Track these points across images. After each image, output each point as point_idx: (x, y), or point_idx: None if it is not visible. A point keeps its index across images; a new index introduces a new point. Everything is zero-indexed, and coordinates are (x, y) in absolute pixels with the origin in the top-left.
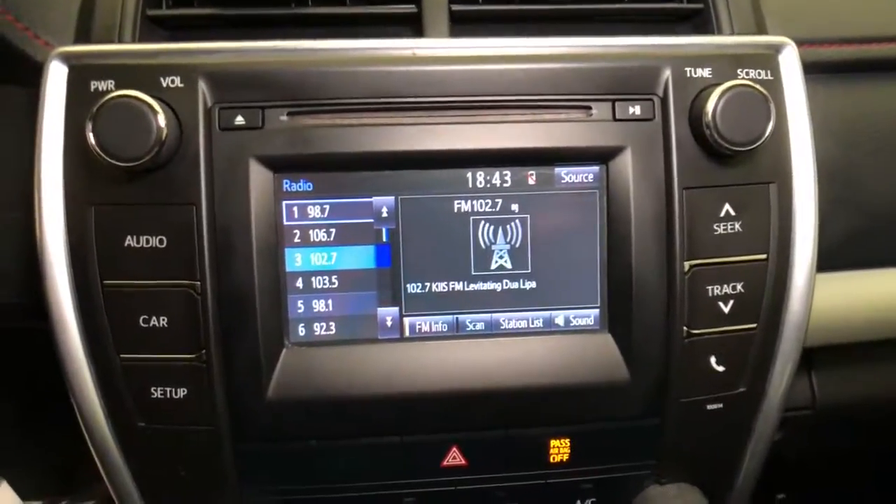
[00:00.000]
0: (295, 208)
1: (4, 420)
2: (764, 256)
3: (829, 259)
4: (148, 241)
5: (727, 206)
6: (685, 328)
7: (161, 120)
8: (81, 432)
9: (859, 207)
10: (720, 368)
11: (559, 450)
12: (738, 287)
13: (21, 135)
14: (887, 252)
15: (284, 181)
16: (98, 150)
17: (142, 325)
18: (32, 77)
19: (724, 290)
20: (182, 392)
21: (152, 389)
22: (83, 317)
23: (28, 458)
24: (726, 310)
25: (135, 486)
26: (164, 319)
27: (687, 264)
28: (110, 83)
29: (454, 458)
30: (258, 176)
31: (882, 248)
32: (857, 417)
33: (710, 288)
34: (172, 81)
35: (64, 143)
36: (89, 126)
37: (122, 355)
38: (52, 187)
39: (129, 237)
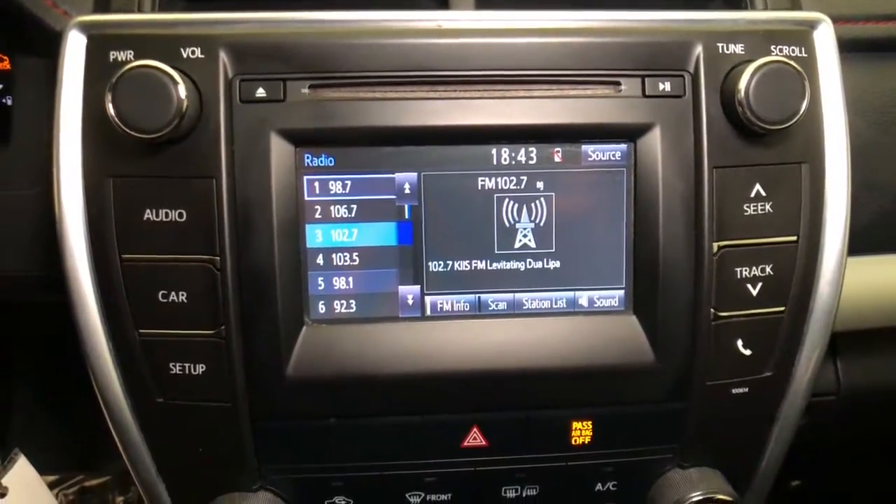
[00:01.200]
0: (316, 183)
1: (22, 396)
2: (794, 238)
3: (860, 242)
4: (167, 215)
5: (758, 186)
6: (712, 310)
7: (182, 91)
8: (99, 407)
9: (891, 190)
10: (747, 352)
11: (581, 432)
12: (768, 269)
13: (39, 106)
14: None
15: (305, 155)
16: (118, 121)
17: (161, 299)
18: (51, 47)
19: (752, 272)
20: (201, 368)
21: (171, 365)
22: (101, 291)
23: (45, 434)
24: (755, 292)
25: (152, 461)
26: (183, 294)
27: (716, 245)
28: (129, 53)
29: (474, 438)
30: (279, 150)
31: None
32: (880, 404)
33: (738, 270)
34: (193, 52)
35: (82, 115)
36: (109, 97)
37: (140, 330)
38: (71, 159)
39: (148, 210)
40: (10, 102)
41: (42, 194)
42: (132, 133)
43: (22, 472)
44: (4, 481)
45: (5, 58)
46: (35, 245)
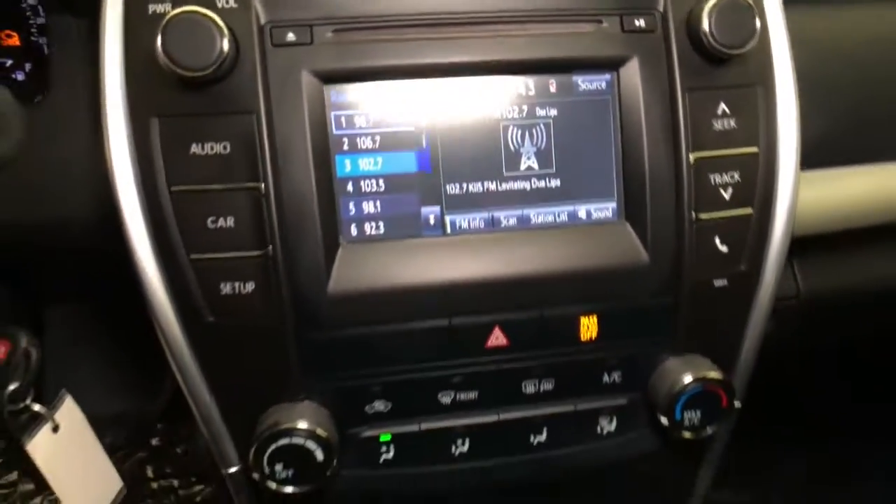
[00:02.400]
0: (343, 118)
1: (69, 336)
2: (755, 149)
3: (812, 157)
4: (212, 148)
5: (723, 105)
6: (693, 213)
7: (224, 33)
8: (147, 343)
9: (833, 113)
10: (724, 249)
11: (588, 327)
12: (736, 176)
13: (78, 59)
14: (861, 151)
15: (332, 93)
16: (167, 61)
17: (209, 225)
18: (88, 5)
19: (724, 179)
20: (250, 286)
21: (221, 286)
22: (153, 222)
23: (92, 375)
24: (727, 196)
25: (203, 379)
26: (230, 220)
27: (692, 156)
28: (167, 5)
29: (497, 338)
30: (310, 88)
31: (856, 148)
32: (837, 307)
33: (712, 177)
34: (227, 2)
35: (125, 64)
36: (159, 39)
37: (191, 255)
38: (116, 103)
39: (194, 145)
40: (48, 52)
41: (90, 140)
42: (181, 71)
43: (69, 411)
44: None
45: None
46: (86, 189)
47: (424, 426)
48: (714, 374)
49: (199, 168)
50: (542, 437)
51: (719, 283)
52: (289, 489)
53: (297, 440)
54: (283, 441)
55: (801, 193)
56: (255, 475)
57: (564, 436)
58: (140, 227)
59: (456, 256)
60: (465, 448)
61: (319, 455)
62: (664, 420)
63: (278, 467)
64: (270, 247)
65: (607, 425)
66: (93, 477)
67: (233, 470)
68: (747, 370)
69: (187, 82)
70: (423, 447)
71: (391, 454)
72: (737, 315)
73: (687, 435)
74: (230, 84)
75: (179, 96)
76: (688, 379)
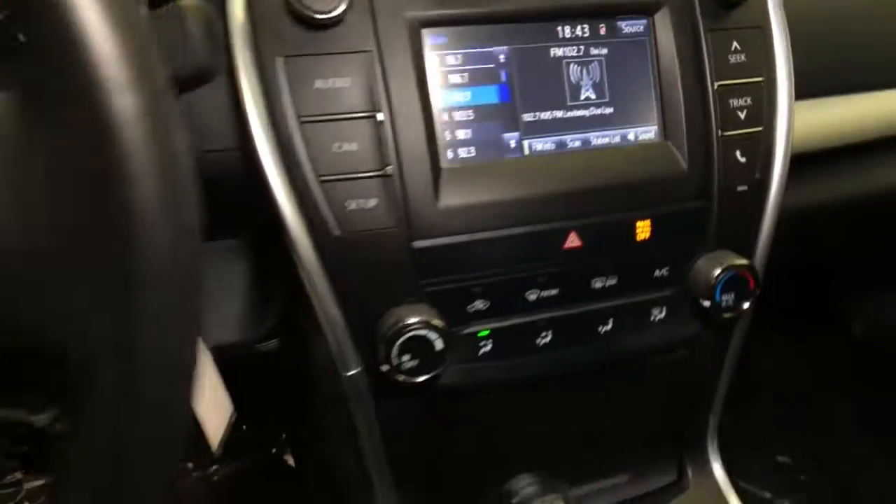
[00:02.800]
0: (437, 57)
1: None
2: (761, 79)
3: (806, 87)
4: (335, 83)
5: (735, 43)
6: (720, 131)
7: None
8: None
9: (825, 47)
10: (743, 160)
11: (642, 230)
12: (748, 100)
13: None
14: (850, 82)
15: (430, 35)
16: (298, 5)
17: (335, 150)
18: None
19: (740, 103)
20: (372, 202)
21: (347, 203)
22: (284, 150)
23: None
24: (742, 117)
25: (330, 289)
26: (354, 144)
27: (716, 84)
28: None
29: (572, 241)
30: (412, 31)
31: (846, 79)
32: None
33: (731, 101)
34: None
35: (248, 10)
36: None
37: (321, 177)
38: (244, 46)
39: (318, 80)
40: None
41: (224, 81)
42: (311, 14)
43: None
44: None
45: None
46: (227, 124)
47: (516, 321)
48: (742, 262)
49: (324, 101)
50: (608, 327)
51: (741, 188)
52: (416, 379)
53: (421, 332)
54: (409, 334)
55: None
56: (384, 368)
57: (625, 325)
58: (272, 156)
59: (534, 174)
60: (548, 339)
61: (439, 344)
62: (706, 303)
63: (405, 358)
64: (389, 167)
65: (658, 314)
66: (213, 401)
67: (352, 372)
68: (763, 261)
69: (311, 24)
70: (514, 340)
71: (489, 347)
72: (754, 215)
73: (725, 315)
74: (347, 26)
75: (303, 38)
76: (722, 267)
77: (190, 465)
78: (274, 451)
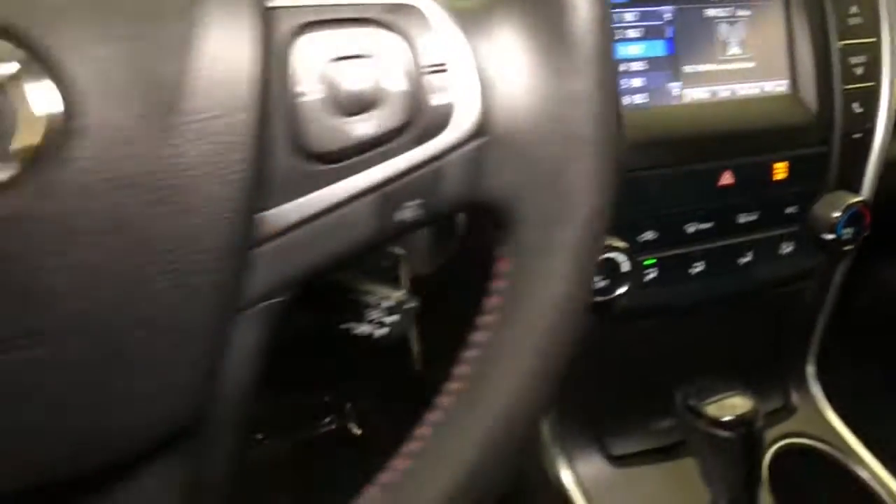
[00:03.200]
0: (615, 15)
1: None
2: (875, 39)
3: None
4: None
5: (854, 7)
6: (842, 85)
7: None
8: None
9: None
10: (860, 110)
11: (779, 171)
12: (864, 58)
13: None
14: None
15: None
16: None
17: None
18: None
19: (858, 60)
20: None
21: None
22: None
23: None
24: (859, 73)
25: None
26: None
27: (840, 43)
28: None
29: (726, 179)
30: None
31: None
32: None
33: (850, 59)
34: None
35: None
36: None
37: None
38: None
39: None
40: None
41: None
42: None
43: None
44: None
45: None
46: None
47: (677, 251)
48: (860, 199)
49: None
50: (749, 258)
51: (857, 135)
52: (608, 296)
53: (611, 254)
54: (602, 256)
55: None
56: None
57: (760, 257)
58: None
59: (694, 119)
60: (700, 268)
61: (626, 266)
62: (829, 237)
63: (597, 278)
64: None
65: (787, 247)
66: None
67: None
68: (870, 200)
69: None
70: (674, 268)
71: (654, 275)
72: (866, 158)
73: (845, 248)
74: None
75: None
76: (846, 204)
77: (259, 436)
78: (338, 420)
